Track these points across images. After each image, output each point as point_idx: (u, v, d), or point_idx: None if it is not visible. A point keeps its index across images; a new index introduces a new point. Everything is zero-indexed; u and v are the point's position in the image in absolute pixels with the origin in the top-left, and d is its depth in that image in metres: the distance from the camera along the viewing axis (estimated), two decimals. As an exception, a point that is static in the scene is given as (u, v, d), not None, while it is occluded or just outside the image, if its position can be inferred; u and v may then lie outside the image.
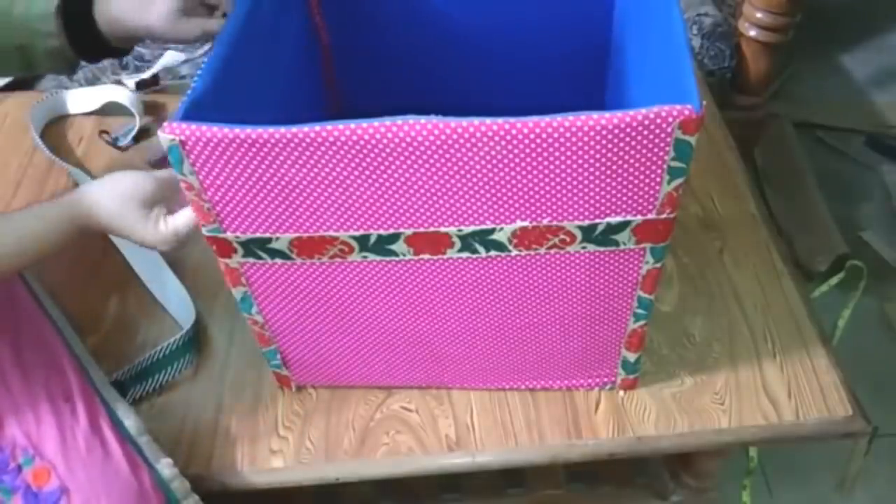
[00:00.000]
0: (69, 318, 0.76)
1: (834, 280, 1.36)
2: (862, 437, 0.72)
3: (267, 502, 0.78)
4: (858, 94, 1.69)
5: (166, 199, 0.65)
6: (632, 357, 0.69)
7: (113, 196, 0.64)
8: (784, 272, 0.83)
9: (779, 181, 1.47)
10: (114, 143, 1.00)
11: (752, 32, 1.18)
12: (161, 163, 0.92)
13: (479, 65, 0.84)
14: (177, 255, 0.86)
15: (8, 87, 1.14)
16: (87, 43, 0.71)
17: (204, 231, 0.58)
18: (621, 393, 0.73)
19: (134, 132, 1.00)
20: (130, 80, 1.06)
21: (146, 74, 1.06)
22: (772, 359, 0.75)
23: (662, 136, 0.49)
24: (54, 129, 1.04)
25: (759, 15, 1.16)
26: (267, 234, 0.57)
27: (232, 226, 0.57)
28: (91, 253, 0.87)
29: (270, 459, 0.71)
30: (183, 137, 0.50)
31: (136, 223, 0.64)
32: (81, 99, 1.05)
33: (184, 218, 0.64)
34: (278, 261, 0.59)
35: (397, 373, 0.72)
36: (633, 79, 0.70)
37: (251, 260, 0.60)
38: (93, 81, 1.16)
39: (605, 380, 0.72)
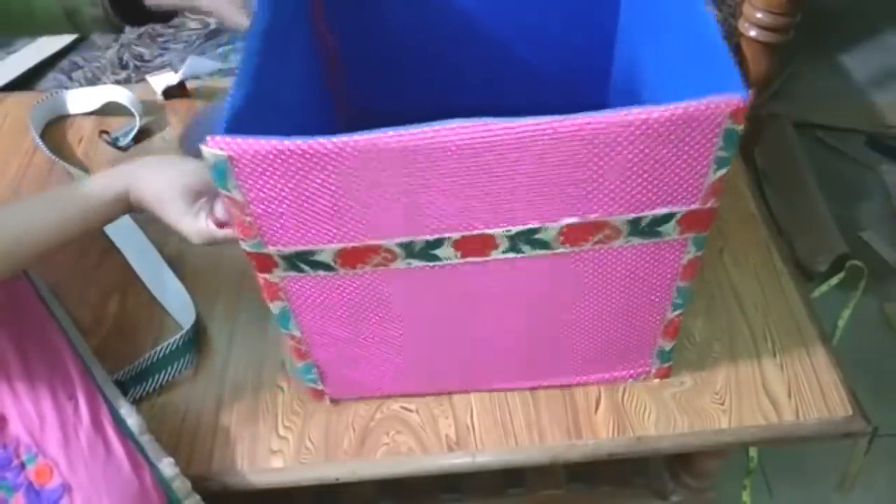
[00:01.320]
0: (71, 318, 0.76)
1: (834, 280, 1.36)
2: (862, 437, 0.72)
3: (267, 502, 0.78)
4: (858, 94, 1.69)
5: (214, 194, 0.65)
6: (668, 346, 0.69)
7: (164, 179, 0.64)
8: (784, 272, 0.83)
9: (779, 181, 1.48)
10: (114, 144, 1.00)
11: (752, 32, 1.18)
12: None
13: (487, 65, 0.84)
14: (177, 255, 0.86)
15: (8, 87, 1.14)
16: (133, 11, 0.77)
17: (244, 246, 0.56)
18: (621, 393, 0.73)
19: (134, 132, 1.00)
20: (154, 80, 1.05)
21: (174, 81, 1.04)
22: (772, 359, 0.75)
23: (712, 126, 0.49)
24: (54, 129, 1.04)
25: (759, 15, 1.15)
26: (310, 247, 0.56)
27: (273, 239, 0.55)
28: (91, 253, 0.87)
29: (270, 459, 0.71)
30: (231, 152, 0.49)
31: (178, 212, 0.64)
32: (81, 99, 1.05)
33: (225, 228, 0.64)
34: (321, 273, 0.58)
35: (439, 379, 0.71)
36: (650, 70, 0.69)
37: (292, 273, 0.58)
38: (93, 81, 1.17)
39: (641, 370, 0.72)
